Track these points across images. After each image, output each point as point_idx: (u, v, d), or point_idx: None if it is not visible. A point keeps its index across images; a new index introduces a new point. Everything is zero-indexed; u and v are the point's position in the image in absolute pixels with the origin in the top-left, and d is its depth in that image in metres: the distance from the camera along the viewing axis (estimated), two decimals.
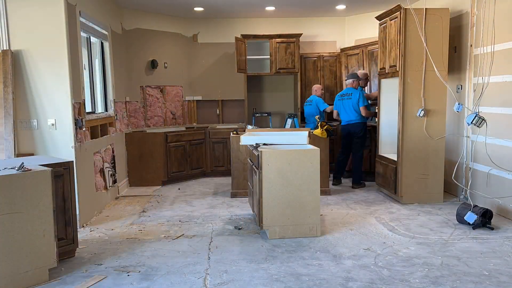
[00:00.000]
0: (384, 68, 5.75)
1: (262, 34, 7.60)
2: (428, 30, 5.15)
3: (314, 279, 3.25)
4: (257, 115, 7.77)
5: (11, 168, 3.30)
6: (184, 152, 7.22)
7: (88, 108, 5.39)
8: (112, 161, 5.92)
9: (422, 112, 5.20)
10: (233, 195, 5.97)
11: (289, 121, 7.36)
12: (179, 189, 6.64)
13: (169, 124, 7.73)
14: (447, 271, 3.36)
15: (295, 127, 7.15)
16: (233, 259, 3.67)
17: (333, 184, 6.53)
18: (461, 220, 4.47)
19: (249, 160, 4.97)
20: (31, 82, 4.43)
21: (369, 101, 6.49)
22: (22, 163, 3.32)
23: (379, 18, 5.82)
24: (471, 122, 4.56)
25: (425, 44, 5.12)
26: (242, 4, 6.82)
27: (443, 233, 4.28)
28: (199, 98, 8.02)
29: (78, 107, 4.67)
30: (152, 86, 7.45)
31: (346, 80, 6.74)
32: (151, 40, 7.36)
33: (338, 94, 6.75)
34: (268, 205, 4.15)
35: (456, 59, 5.56)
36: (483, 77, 4.77)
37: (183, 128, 7.54)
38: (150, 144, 6.85)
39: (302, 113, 7.51)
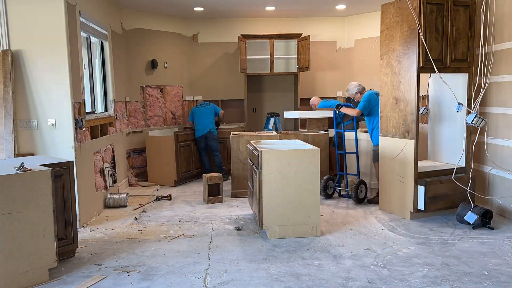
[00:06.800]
0: (439, 59, 4.63)
1: (262, 34, 7.60)
2: None
3: (314, 279, 3.25)
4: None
5: (11, 168, 3.30)
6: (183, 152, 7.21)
7: (88, 108, 5.39)
8: (112, 161, 5.92)
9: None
10: (233, 195, 5.97)
11: (271, 120, 7.30)
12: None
13: (169, 124, 7.72)
14: (447, 271, 3.36)
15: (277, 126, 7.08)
16: (233, 259, 3.67)
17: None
18: (461, 220, 4.46)
19: (249, 160, 4.96)
20: (31, 82, 4.43)
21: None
22: (22, 163, 3.32)
23: None
24: (471, 122, 4.56)
25: None
26: (242, 4, 6.82)
27: (443, 233, 4.28)
28: (199, 98, 8.02)
29: (78, 107, 4.66)
30: (152, 86, 7.45)
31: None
32: (151, 40, 7.36)
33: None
34: (268, 205, 4.14)
35: None
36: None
37: (183, 128, 7.53)
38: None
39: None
